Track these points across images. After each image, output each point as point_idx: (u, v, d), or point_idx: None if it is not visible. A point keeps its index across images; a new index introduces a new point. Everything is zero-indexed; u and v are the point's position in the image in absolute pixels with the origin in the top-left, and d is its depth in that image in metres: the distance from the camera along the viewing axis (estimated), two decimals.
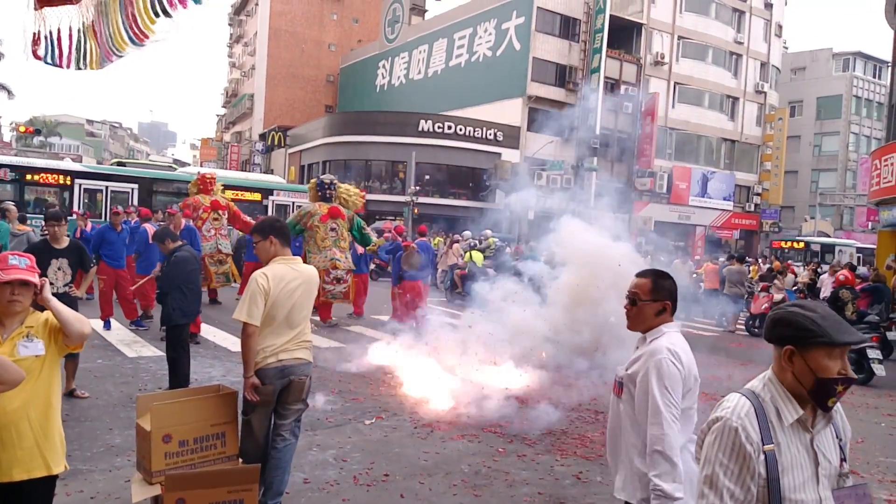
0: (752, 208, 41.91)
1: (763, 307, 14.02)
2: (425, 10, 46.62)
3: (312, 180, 11.33)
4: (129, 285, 9.60)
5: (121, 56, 2.64)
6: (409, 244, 11.51)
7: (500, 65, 36.11)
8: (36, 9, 2.67)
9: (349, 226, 10.77)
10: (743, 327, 14.80)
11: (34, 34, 2.86)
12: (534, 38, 34.43)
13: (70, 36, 2.75)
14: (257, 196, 21.28)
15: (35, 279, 2.55)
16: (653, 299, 2.59)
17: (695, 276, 18.20)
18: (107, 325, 9.31)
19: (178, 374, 6.11)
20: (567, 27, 35.30)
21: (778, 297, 14.12)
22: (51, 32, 2.79)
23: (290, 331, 3.77)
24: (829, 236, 40.03)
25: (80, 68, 2.85)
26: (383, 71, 47.23)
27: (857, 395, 8.65)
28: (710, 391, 7.96)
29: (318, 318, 10.73)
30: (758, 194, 42.32)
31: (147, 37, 2.41)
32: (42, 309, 2.65)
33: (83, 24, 2.69)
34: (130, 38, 2.46)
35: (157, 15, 2.23)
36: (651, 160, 36.23)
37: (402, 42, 44.86)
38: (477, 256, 16.09)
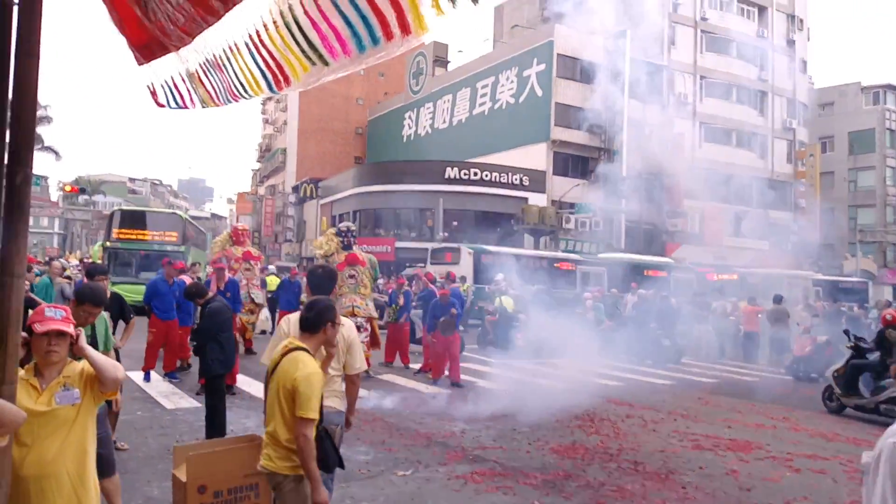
0: (790, 248, 41.10)
1: (806, 349, 13.60)
2: (448, 62, 47.82)
3: (331, 229, 11.43)
4: (178, 337, 9.73)
5: (250, 97, 2.71)
6: (446, 292, 11.42)
7: (523, 111, 36.61)
8: (140, 63, 2.83)
9: (371, 273, 10.77)
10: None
11: (149, 87, 3.03)
12: (555, 83, 34.93)
13: (183, 80, 2.88)
14: (663, 273, 25.36)
15: (70, 329, 2.63)
16: None
17: (732, 318, 17.81)
18: (146, 377, 9.40)
19: (216, 425, 6.18)
20: (588, 72, 35.78)
21: (822, 339, 13.71)
22: (165, 81, 2.94)
23: None
24: (873, 275, 38.90)
25: (204, 107, 2.96)
26: (409, 121, 48.23)
27: None
28: (756, 441, 7.73)
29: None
30: (794, 233, 41.56)
31: (290, 83, 2.45)
32: (79, 358, 2.73)
33: (186, 71, 2.81)
34: (269, 84, 2.52)
35: (312, 63, 2.26)
36: (681, 200, 35.96)
37: (427, 93, 45.87)
38: (507, 301, 16.01)
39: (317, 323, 3.24)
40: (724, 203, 38.29)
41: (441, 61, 47.38)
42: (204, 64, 2.69)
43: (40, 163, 76.07)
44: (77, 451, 2.68)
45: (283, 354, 3.15)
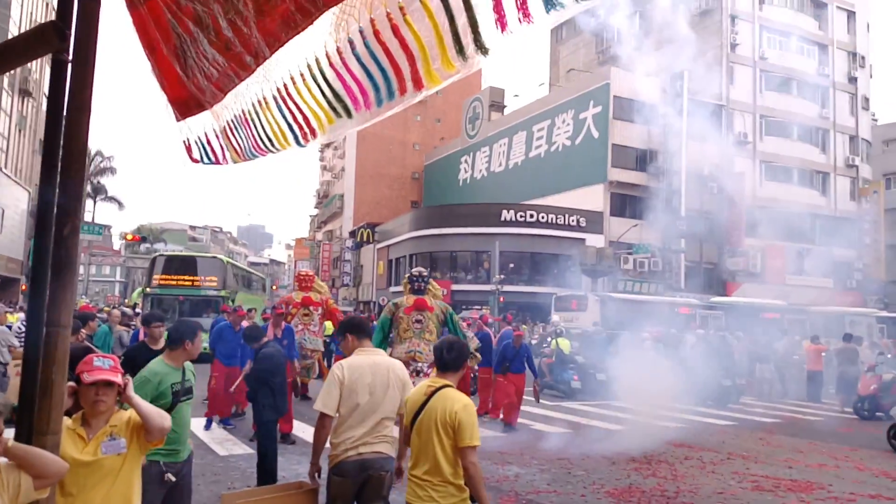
0: (854, 285, 39.26)
1: (871, 388, 13.08)
2: (504, 106, 48.41)
3: (406, 276, 11.45)
4: (240, 384, 9.76)
5: (276, 151, 2.83)
6: (521, 333, 11.39)
7: (579, 153, 36.55)
8: (178, 120, 2.96)
9: (441, 319, 10.68)
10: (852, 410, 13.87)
11: (185, 142, 3.18)
12: (612, 125, 34.84)
13: (217, 137, 3.02)
14: (777, 315, 25.21)
15: (118, 379, 2.64)
16: None
17: (796, 357, 17.27)
18: (208, 425, 9.34)
19: (266, 471, 6.18)
20: (645, 112, 35.54)
21: (888, 377, 13.15)
22: (199, 138, 3.09)
23: (369, 422, 3.71)
24: None
25: (234, 162, 3.11)
26: (465, 165, 48.78)
27: None
28: (818, 481, 7.33)
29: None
30: (859, 270, 39.73)
31: (316, 136, 2.54)
32: (126, 407, 2.75)
33: (219, 127, 2.95)
34: (295, 137, 2.62)
35: (338, 115, 2.34)
36: (741, 239, 34.95)
37: (483, 137, 46.44)
38: (563, 343, 15.71)
39: (459, 361, 3.46)
40: (785, 241, 36.99)
41: (497, 106, 48.05)
42: (232, 120, 2.78)
43: (104, 212, 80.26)
44: (122, 500, 2.69)
45: (429, 396, 3.32)
